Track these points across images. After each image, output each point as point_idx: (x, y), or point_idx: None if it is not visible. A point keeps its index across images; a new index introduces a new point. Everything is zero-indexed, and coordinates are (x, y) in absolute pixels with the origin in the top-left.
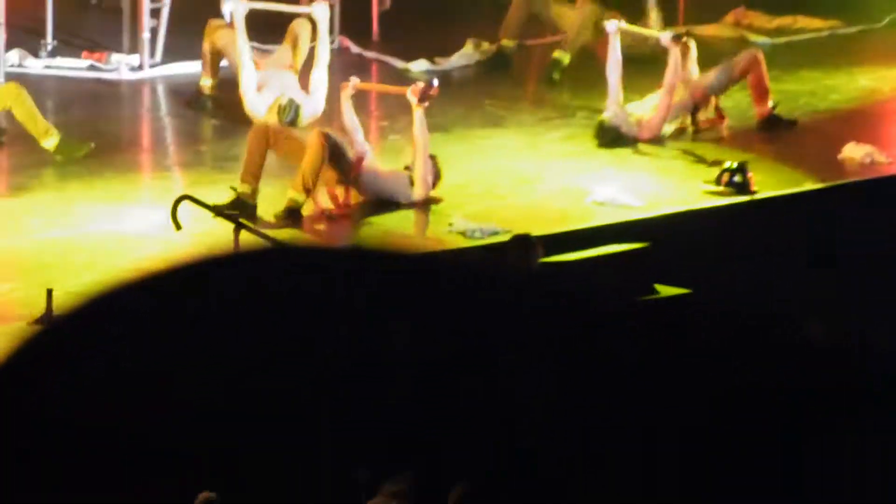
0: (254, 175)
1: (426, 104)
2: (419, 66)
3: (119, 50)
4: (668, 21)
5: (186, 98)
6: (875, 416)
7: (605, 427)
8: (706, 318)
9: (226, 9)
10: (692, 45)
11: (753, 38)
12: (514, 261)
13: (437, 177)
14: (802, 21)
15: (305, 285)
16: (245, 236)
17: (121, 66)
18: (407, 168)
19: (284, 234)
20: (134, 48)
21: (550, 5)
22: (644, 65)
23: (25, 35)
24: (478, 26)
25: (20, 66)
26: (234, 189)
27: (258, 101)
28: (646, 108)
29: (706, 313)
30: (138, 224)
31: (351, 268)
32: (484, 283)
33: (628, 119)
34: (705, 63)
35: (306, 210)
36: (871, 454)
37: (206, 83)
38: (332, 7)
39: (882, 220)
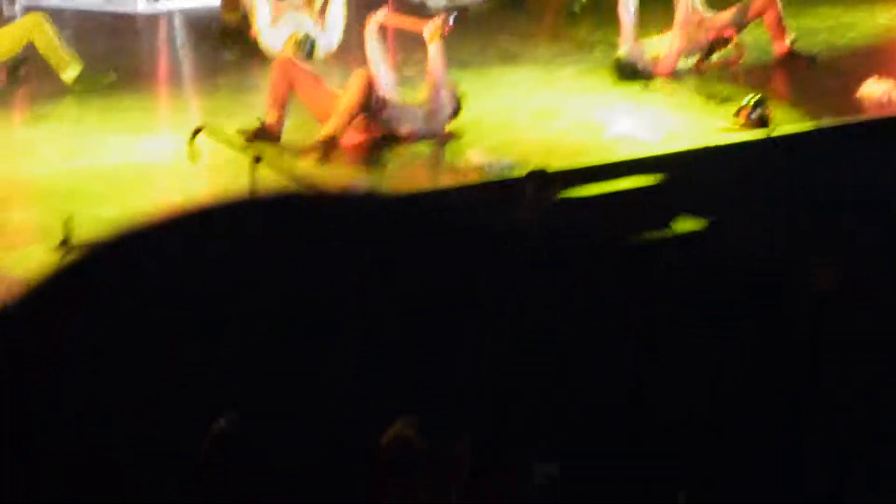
0: (279, 104)
1: (440, 39)
2: (436, 0)
3: None
4: None
5: (204, 31)
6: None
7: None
8: (715, 261)
9: None
10: None
11: None
12: (531, 195)
13: (456, 110)
14: None
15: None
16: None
17: None
18: (423, 101)
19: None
20: None
21: None
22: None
23: None
24: None
25: None
26: (260, 119)
27: (274, 35)
28: (662, 45)
29: (716, 256)
30: (157, 154)
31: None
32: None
33: (644, 55)
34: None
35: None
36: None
37: (231, 16)
38: None
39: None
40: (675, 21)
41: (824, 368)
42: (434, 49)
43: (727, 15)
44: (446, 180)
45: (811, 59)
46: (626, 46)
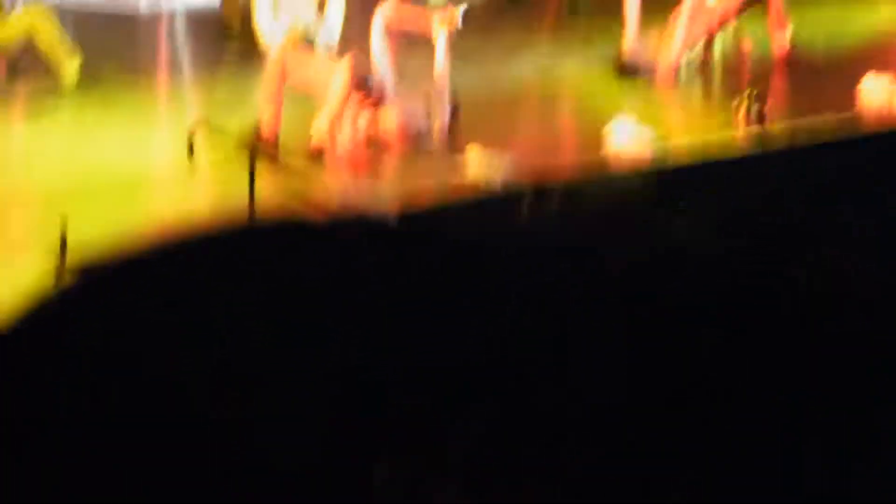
0: (273, 101)
1: (449, 33)
2: None
3: None
4: None
5: (206, 27)
6: None
7: None
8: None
9: None
10: None
11: None
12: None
13: (455, 109)
14: None
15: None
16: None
17: None
18: (425, 98)
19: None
20: None
21: None
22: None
23: None
24: None
25: None
26: (259, 121)
27: (273, 29)
28: (665, 40)
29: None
30: (156, 150)
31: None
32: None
33: (647, 51)
34: None
35: (330, 143)
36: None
37: (231, 12)
38: None
39: None
40: (681, 14)
41: (819, 369)
42: (441, 42)
43: (728, 2)
44: (447, 183)
45: (811, 53)
46: (628, 41)
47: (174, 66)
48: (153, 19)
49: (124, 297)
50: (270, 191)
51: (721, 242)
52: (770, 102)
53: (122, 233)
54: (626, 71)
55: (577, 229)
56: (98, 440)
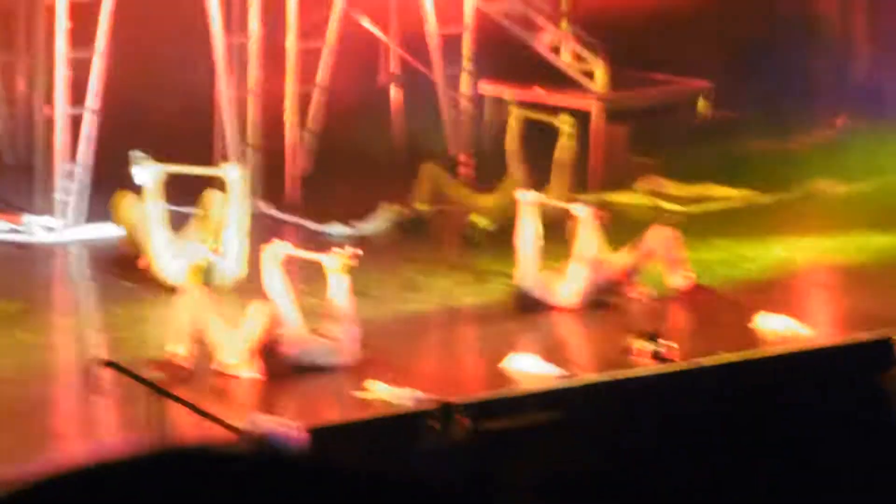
0: (189, 336)
1: (348, 270)
2: (335, 229)
3: (34, 211)
4: (578, 187)
5: (103, 261)
6: None
7: None
8: None
9: (136, 171)
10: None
11: (667, 206)
12: (439, 429)
13: (357, 342)
14: (716, 190)
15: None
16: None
17: (34, 228)
18: (324, 333)
19: (209, 403)
20: (47, 209)
21: (451, 185)
22: (548, 230)
23: None
24: (394, 189)
25: None
26: (170, 351)
27: (172, 266)
28: (560, 278)
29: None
30: (51, 389)
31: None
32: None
33: (545, 286)
34: (617, 230)
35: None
36: None
37: (128, 248)
38: (247, 170)
39: (794, 393)
40: (578, 254)
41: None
42: (337, 281)
43: (627, 254)
44: (351, 414)
45: (705, 292)
46: (524, 277)
47: (72, 299)
48: (49, 252)
49: None
50: (177, 421)
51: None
52: (665, 341)
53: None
54: (524, 305)
55: (480, 451)
56: None
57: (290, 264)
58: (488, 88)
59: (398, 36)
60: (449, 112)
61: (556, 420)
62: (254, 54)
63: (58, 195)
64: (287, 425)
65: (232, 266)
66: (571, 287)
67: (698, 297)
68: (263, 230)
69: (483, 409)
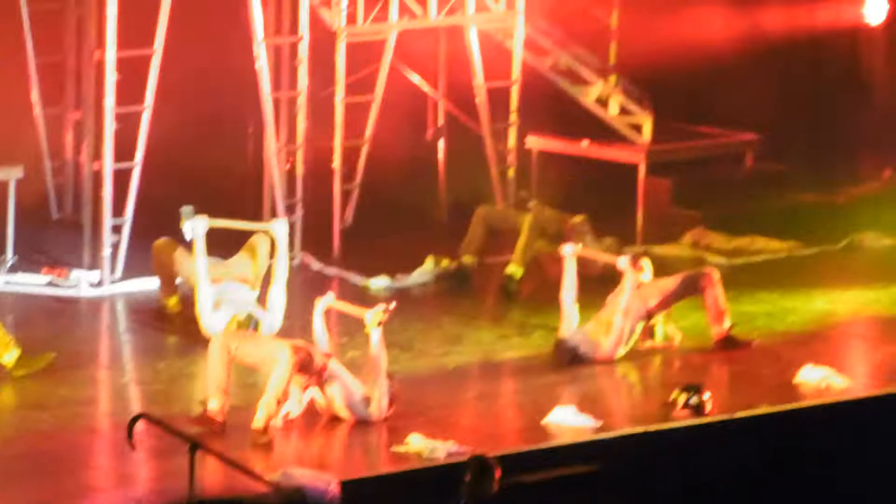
0: (221, 389)
1: (381, 326)
2: (379, 282)
3: (79, 265)
4: (626, 240)
5: (146, 314)
6: None
7: None
8: None
9: (186, 227)
10: (647, 265)
11: (712, 258)
12: (472, 482)
13: (392, 399)
14: (760, 242)
15: None
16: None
17: (81, 283)
18: (364, 387)
19: (244, 455)
20: (94, 263)
21: (506, 216)
22: (595, 283)
23: None
24: (438, 242)
25: None
26: (203, 404)
27: (215, 320)
28: (600, 324)
29: None
30: (94, 444)
31: None
32: None
33: (586, 339)
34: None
35: (274, 422)
36: None
37: (171, 301)
38: (293, 224)
39: (837, 444)
40: (621, 307)
41: None
42: (375, 336)
43: (668, 283)
44: (385, 467)
45: (747, 344)
46: (566, 330)
47: (114, 353)
48: (94, 305)
49: None
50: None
51: None
52: (707, 393)
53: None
54: (565, 358)
55: None
56: None
57: (332, 316)
58: (536, 142)
59: (445, 90)
60: (496, 166)
61: (592, 472)
62: (302, 109)
63: (106, 250)
64: (320, 478)
65: (276, 320)
66: (612, 339)
67: (739, 350)
68: (307, 283)
69: (518, 462)
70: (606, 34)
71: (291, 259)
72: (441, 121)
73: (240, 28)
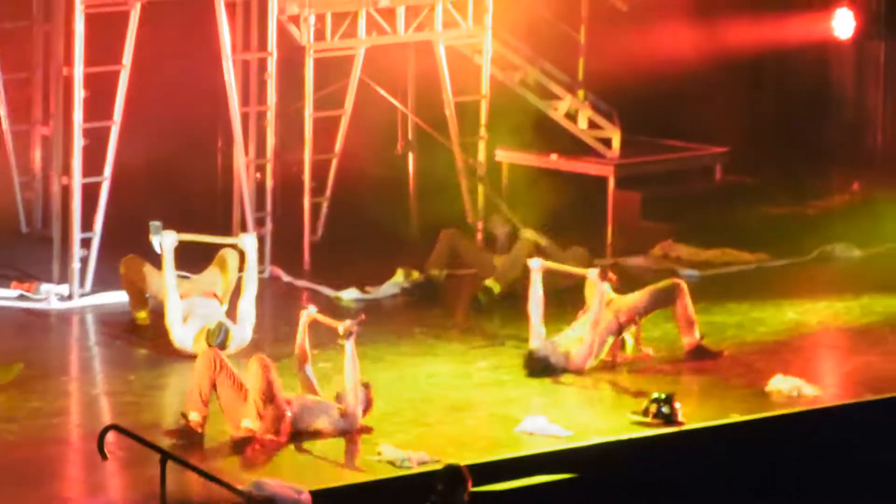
0: (203, 402)
1: (353, 336)
2: (349, 294)
3: (49, 279)
4: (596, 252)
5: (116, 327)
6: None
7: None
8: None
9: (155, 241)
10: (613, 277)
11: (682, 270)
12: (444, 492)
13: (368, 405)
14: (730, 254)
15: None
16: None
17: (50, 296)
18: (337, 397)
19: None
20: (64, 277)
21: (470, 248)
22: (564, 293)
23: None
24: (408, 255)
25: None
26: (184, 416)
27: (185, 333)
28: (571, 339)
29: None
30: (65, 455)
31: None
32: None
33: (556, 350)
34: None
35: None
36: None
37: (141, 314)
38: (262, 237)
39: (807, 453)
40: (591, 318)
41: None
42: (349, 347)
43: (637, 297)
44: (356, 476)
45: (718, 354)
46: (536, 341)
47: (84, 364)
48: (64, 318)
49: None
50: (183, 485)
51: None
52: (678, 403)
53: None
54: (536, 368)
55: None
56: None
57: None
58: (505, 156)
59: (415, 104)
60: (465, 179)
61: (564, 481)
62: (271, 123)
63: (76, 263)
64: (291, 488)
65: (246, 333)
66: (583, 351)
67: (709, 359)
68: (277, 296)
69: (490, 471)
70: (575, 50)
71: (261, 272)
72: (411, 135)
73: (208, 43)
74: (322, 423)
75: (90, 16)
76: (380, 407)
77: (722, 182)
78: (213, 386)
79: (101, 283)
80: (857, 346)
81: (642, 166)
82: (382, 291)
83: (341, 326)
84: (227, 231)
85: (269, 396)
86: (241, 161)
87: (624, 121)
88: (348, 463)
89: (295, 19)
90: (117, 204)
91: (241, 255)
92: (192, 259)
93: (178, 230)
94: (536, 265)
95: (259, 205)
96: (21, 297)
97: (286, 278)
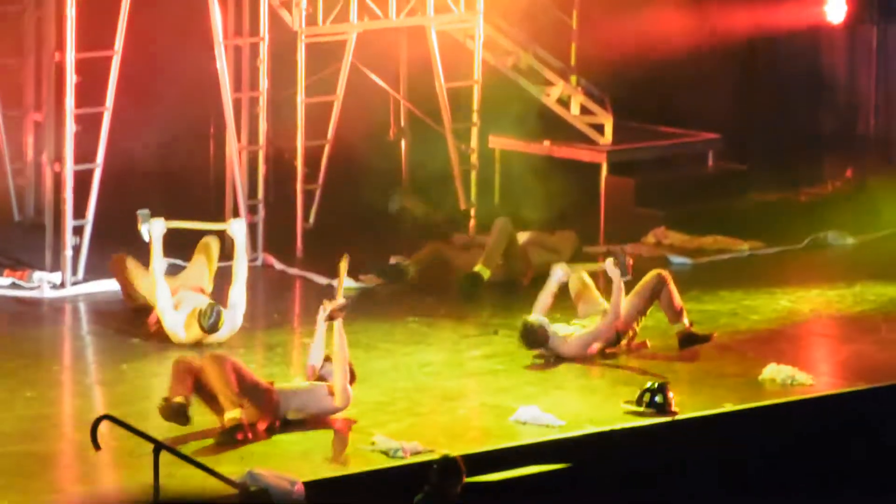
0: (187, 388)
1: (340, 316)
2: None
3: (41, 267)
4: (589, 239)
5: (109, 315)
6: None
7: None
8: None
9: (143, 228)
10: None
11: (674, 257)
12: (439, 484)
13: (352, 378)
14: (723, 241)
15: None
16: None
17: (43, 284)
18: (320, 377)
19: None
20: (56, 265)
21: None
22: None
23: None
24: (401, 244)
25: None
26: (167, 399)
27: (176, 319)
28: (570, 330)
29: None
30: (59, 445)
31: None
32: None
33: (556, 332)
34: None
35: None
36: None
37: (132, 304)
38: (255, 224)
39: (801, 441)
40: (611, 308)
41: None
42: (338, 327)
43: (632, 301)
44: (350, 467)
45: (707, 338)
46: (538, 315)
47: (77, 353)
48: (56, 306)
49: None
50: (176, 474)
51: None
52: (672, 392)
53: None
54: (532, 338)
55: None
56: None
57: (296, 317)
58: (498, 142)
59: (407, 90)
60: (458, 165)
61: (557, 471)
62: (263, 109)
63: (68, 251)
64: (285, 479)
65: (237, 319)
66: (581, 340)
67: (702, 347)
68: (269, 283)
69: (483, 461)
70: (567, 35)
71: (254, 260)
72: (403, 121)
73: (200, 29)
74: (313, 406)
75: (82, 1)
76: (372, 396)
77: (714, 169)
78: (195, 375)
79: (94, 272)
80: (850, 335)
81: (635, 153)
82: (374, 280)
83: (327, 308)
84: (219, 218)
85: (244, 386)
86: (234, 147)
87: (616, 107)
88: (341, 453)
89: (287, 4)
90: (110, 191)
91: (229, 241)
92: (182, 246)
93: (171, 217)
94: (560, 275)
95: (252, 192)
96: (13, 286)
97: (279, 266)
